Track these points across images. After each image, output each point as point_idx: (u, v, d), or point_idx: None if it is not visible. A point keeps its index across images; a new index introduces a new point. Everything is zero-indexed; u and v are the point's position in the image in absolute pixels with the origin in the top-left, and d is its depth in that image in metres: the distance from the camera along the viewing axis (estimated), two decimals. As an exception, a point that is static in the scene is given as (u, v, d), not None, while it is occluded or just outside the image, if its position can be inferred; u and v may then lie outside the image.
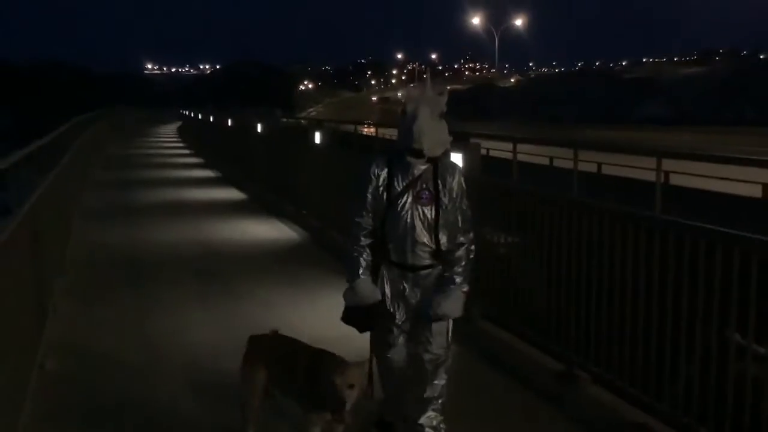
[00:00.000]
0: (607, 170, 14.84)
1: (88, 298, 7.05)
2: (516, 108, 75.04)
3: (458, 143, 6.49)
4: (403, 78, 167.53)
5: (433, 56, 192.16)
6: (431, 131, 3.45)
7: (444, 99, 3.60)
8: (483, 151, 9.50)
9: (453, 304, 3.60)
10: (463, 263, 3.61)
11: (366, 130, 26.98)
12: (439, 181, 3.56)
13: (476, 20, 61.46)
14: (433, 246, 3.58)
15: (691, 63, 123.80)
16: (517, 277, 5.64)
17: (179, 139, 36.72)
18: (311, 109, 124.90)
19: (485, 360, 5.33)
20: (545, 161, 16.80)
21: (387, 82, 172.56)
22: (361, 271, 3.64)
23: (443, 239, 3.58)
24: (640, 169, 12.11)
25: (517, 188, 6.32)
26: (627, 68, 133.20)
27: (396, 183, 3.57)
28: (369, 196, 3.61)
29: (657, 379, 4.05)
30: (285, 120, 35.79)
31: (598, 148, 16.00)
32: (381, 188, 3.59)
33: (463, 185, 3.63)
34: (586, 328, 4.65)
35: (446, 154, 3.65)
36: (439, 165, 3.57)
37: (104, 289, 7.41)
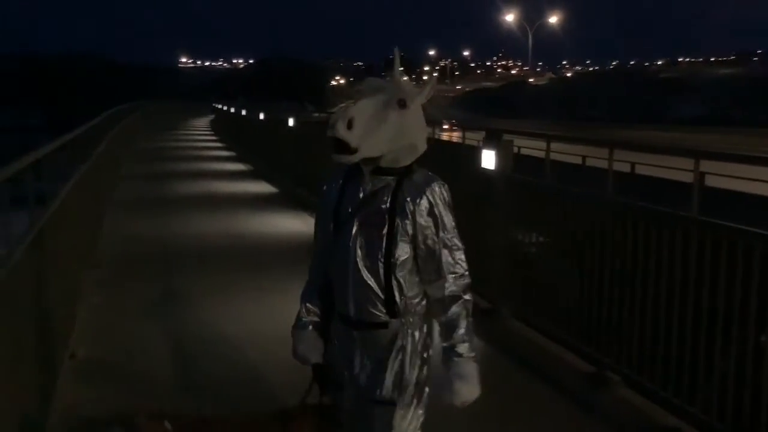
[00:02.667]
0: (641, 170, 14.65)
1: (119, 288, 7.12)
2: (548, 107, 74.47)
3: (490, 140, 6.46)
4: (435, 75, 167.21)
5: (466, 53, 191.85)
6: (369, 119, 2.33)
7: (408, 86, 2.50)
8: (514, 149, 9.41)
9: (470, 383, 2.44)
10: (464, 323, 2.46)
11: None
12: (399, 203, 2.40)
13: (510, 17, 61.13)
14: (381, 294, 2.41)
15: (727, 64, 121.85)
16: (548, 277, 5.59)
17: (211, 132, 37.02)
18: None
19: (514, 360, 5.28)
20: (577, 160, 16.64)
21: (418, 78, 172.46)
22: (302, 320, 2.64)
23: (401, 287, 2.42)
24: (674, 169, 11.94)
25: (550, 187, 6.26)
26: (662, 68, 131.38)
27: (345, 203, 2.50)
28: (320, 221, 2.63)
29: (690, 382, 3.98)
30: (316, 115, 35.86)
31: (634, 148, 15.80)
32: (331, 211, 2.54)
33: (447, 216, 2.44)
34: (618, 330, 4.58)
35: (417, 170, 2.47)
36: (405, 181, 2.42)
37: (135, 279, 7.48)
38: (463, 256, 2.49)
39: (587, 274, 4.90)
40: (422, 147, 2.48)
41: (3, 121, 73.56)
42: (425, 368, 2.50)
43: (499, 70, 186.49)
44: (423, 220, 2.40)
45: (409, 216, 2.39)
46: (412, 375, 2.46)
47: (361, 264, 2.40)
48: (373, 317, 2.43)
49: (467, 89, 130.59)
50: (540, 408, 4.54)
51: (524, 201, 5.86)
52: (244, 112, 28.39)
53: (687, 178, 10.18)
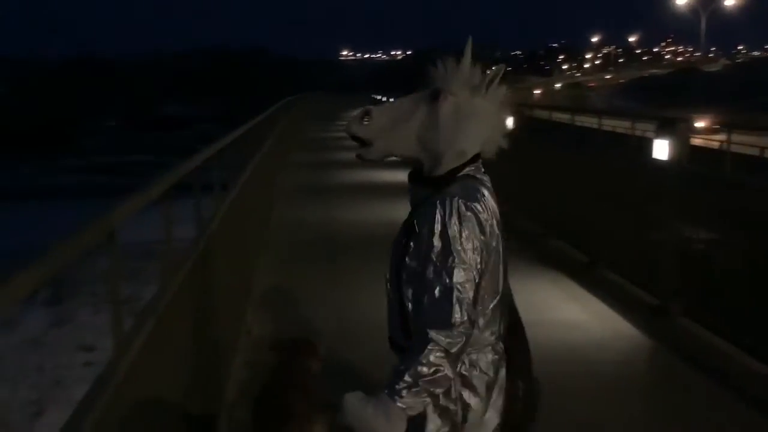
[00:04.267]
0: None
1: (287, 271, 7.48)
2: (722, 95, 69.88)
3: (664, 128, 6.19)
4: (597, 62, 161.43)
5: (632, 39, 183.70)
6: (396, 111, 2.11)
7: (465, 76, 2.09)
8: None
9: (363, 411, 1.92)
10: (412, 361, 1.91)
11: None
12: (413, 223, 2.07)
13: (682, 0, 57.78)
14: (398, 314, 2.14)
15: None
16: (721, 274, 5.29)
17: (371, 123, 37.75)
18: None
19: (685, 360, 5.06)
20: (754, 152, 15.51)
21: (580, 67, 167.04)
22: None
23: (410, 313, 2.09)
24: None
25: (731, 179, 5.92)
26: None
27: None
28: None
29: None
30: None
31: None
32: None
33: (440, 242, 1.97)
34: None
35: (460, 180, 2.06)
36: (436, 194, 2.03)
37: (302, 263, 7.82)
38: (447, 297, 1.92)
39: (762, 271, 4.60)
40: (471, 150, 2.07)
41: (178, 112, 79.09)
42: (455, 412, 2.04)
43: (667, 57, 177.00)
44: (422, 248, 2.01)
45: (416, 243, 2.04)
46: (433, 421, 2.04)
47: (387, 280, 2.19)
48: (396, 338, 2.18)
49: (633, 77, 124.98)
50: (713, 412, 4.32)
51: (694, 195, 5.58)
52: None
53: None
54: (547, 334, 5.45)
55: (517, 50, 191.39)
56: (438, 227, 1.96)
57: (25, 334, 7.76)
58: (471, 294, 1.95)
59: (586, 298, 6.40)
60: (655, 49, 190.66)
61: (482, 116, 2.08)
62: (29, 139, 53.96)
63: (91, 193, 27.43)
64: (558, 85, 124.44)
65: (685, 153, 5.93)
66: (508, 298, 2.18)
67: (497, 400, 2.10)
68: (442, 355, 1.89)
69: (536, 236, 8.71)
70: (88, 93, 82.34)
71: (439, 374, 1.89)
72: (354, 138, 2.14)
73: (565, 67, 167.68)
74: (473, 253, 1.95)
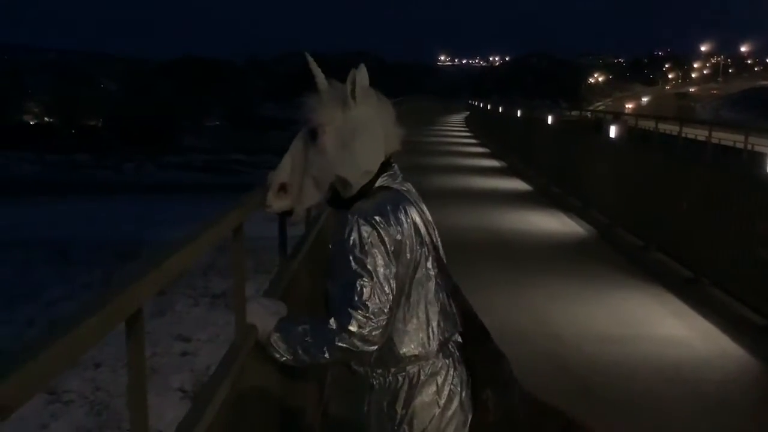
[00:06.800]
0: None
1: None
2: (840, 108, 66.01)
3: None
4: (705, 72, 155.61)
5: (743, 48, 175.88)
6: (294, 170, 2.09)
7: (326, 100, 2.04)
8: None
9: (253, 315, 2.07)
10: (315, 330, 1.96)
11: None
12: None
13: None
14: None
15: None
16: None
17: (466, 128, 37.67)
18: (599, 103, 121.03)
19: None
20: None
21: (686, 76, 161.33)
22: None
23: None
24: None
25: None
26: None
27: None
28: None
29: None
30: (573, 113, 35.04)
31: None
32: None
33: (342, 256, 1.96)
34: None
35: (375, 195, 2.05)
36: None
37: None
38: (352, 312, 1.89)
39: None
40: (373, 164, 2.04)
41: (274, 113, 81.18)
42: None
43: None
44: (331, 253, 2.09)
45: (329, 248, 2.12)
46: None
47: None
48: None
49: (742, 88, 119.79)
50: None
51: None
52: (500, 109, 28.53)
53: None
54: (647, 350, 5.27)
55: (619, 58, 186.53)
56: (341, 241, 1.95)
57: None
58: (372, 303, 1.89)
59: (689, 314, 6.14)
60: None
61: (368, 125, 2.03)
62: (134, 137, 56.58)
63: (190, 189, 28.45)
64: (645, 99, 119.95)
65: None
66: (451, 307, 2.13)
67: (455, 411, 2.06)
68: (340, 354, 1.92)
69: (636, 249, 8.43)
70: (193, 92, 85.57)
71: (318, 354, 1.93)
72: (279, 213, 2.14)
73: (671, 76, 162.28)
74: (378, 267, 1.91)
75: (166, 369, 6.95)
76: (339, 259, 1.96)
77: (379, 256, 1.91)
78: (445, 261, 2.18)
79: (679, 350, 5.29)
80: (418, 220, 2.06)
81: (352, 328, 1.88)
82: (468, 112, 47.46)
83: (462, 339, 2.15)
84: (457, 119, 47.48)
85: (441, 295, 2.09)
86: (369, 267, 1.90)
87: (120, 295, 1.27)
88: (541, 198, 12.99)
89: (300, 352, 1.97)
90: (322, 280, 2.28)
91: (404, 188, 2.10)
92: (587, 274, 7.40)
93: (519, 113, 22.59)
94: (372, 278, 1.90)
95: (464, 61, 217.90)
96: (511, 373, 2.17)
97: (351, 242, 1.92)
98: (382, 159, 2.07)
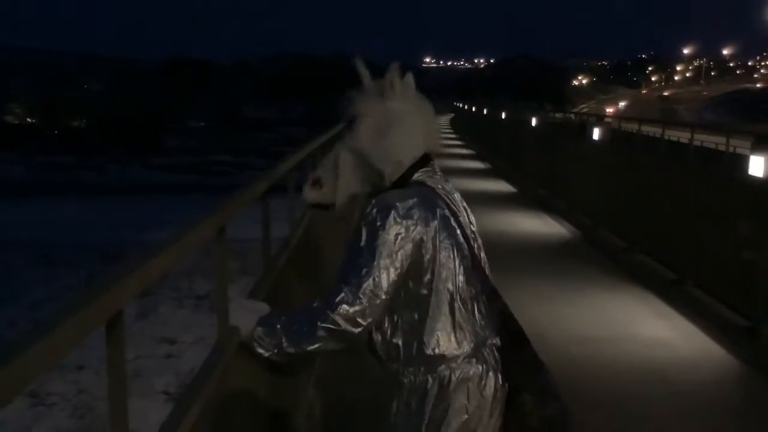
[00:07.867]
0: None
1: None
2: (819, 110, 66.71)
3: (761, 145, 5.92)
4: (688, 75, 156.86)
5: (726, 52, 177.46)
6: (333, 165, 2.15)
7: (369, 93, 2.14)
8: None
9: (237, 315, 2.08)
10: (294, 311, 2.08)
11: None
12: None
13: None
14: None
15: None
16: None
17: (451, 130, 37.72)
18: (583, 106, 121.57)
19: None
20: None
21: (669, 78, 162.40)
22: None
23: None
24: None
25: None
26: None
27: None
28: None
29: None
30: (557, 115, 35.19)
31: None
32: None
33: (353, 236, 1.98)
34: None
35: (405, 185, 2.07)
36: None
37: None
38: (343, 288, 1.90)
39: None
40: (407, 157, 2.04)
41: (269, 114, 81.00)
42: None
43: (762, 71, 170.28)
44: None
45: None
46: None
47: None
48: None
49: (724, 91, 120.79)
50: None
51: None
52: (485, 111, 28.61)
53: None
54: (630, 351, 5.29)
55: (603, 61, 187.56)
56: (363, 219, 1.95)
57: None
58: (366, 284, 1.88)
59: (672, 315, 6.18)
60: (750, 63, 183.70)
61: (405, 119, 2.06)
62: (118, 138, 56.22)
63: (175, 190, 28.30)
64: (622, 104, 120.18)
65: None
66: (488, 311, 2.07)
67: (484, 420, 2.01)
68: (324, 334, 1.89)
69: (620, 251, 8.48)
70: (179, 93, 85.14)
71: (303, 341, 1.92)
72: (316, 206, 2.17)
73: (654, 78, 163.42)
74: (382, 251, 1.89)
75: (150, 372, 6.92)
76: (349, 239, 1.96)
77: (387, 242, 1.90)
78: (485, 263, 2.17)
79: (662, 351, 5.32)
80: (451, 219, 2.04)
81: (339, 303, 1.87)
82: (453, 114, 47.55)
83: (500, 343, 2.10)
84: (442, 121, 47.54)
85: (476, 297, 2.05)
86: (373, 249, 1.89)
87: (100, 297, 1.26)
88: (526, 200, 13.04)
89: (285, 343, 1.95)
90: (308, 281, 2.29)
91: (440, 186, 2.07)
92: (571, 276, 7.43)
93: (504, 115, 22.66)
94: (373, 260, 1.88)
95: (449, 63, 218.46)
96: (550, 383, 2.11)
97: (363, 222, 1.93)
98: (418, 154, 2.06)
